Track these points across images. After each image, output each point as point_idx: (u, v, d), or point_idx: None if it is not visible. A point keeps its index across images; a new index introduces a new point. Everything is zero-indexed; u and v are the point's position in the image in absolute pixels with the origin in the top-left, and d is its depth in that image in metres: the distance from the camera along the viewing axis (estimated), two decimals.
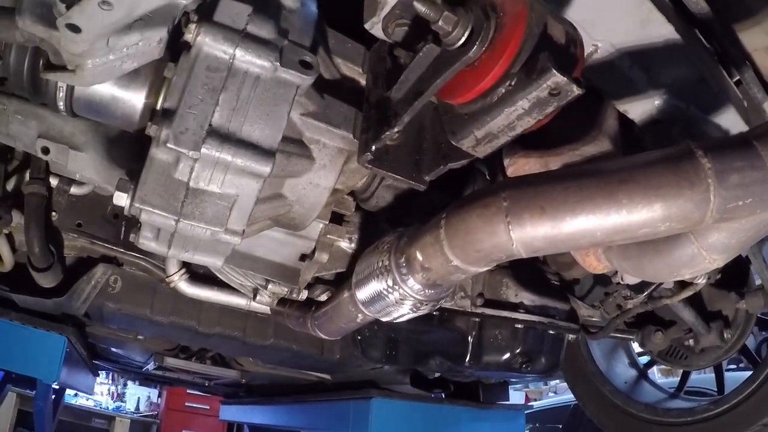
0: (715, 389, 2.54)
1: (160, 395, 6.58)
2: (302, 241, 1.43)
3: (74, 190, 1.84)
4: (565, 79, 0.76)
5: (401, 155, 1.05)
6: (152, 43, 0.94)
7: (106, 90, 1.07)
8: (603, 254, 1.23)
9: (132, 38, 0.93)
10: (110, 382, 6.59)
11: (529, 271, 2.00)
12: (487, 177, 1.73)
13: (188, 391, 5.63)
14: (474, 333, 1.95)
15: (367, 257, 1.20)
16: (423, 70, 0.89)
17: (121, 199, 1.03)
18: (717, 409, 2.28)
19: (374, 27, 0.96)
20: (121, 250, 2.03)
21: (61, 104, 1.11)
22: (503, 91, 0.83)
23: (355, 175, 1.22)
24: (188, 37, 0.91)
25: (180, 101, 0.91)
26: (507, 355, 1.96)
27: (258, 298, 1.63)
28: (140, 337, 2.81)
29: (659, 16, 1.09)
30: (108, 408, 6.53)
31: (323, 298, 1.58)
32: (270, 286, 1.58)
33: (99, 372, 3.98)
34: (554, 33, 0.81)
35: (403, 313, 1.29)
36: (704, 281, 1.58)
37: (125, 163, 1.36)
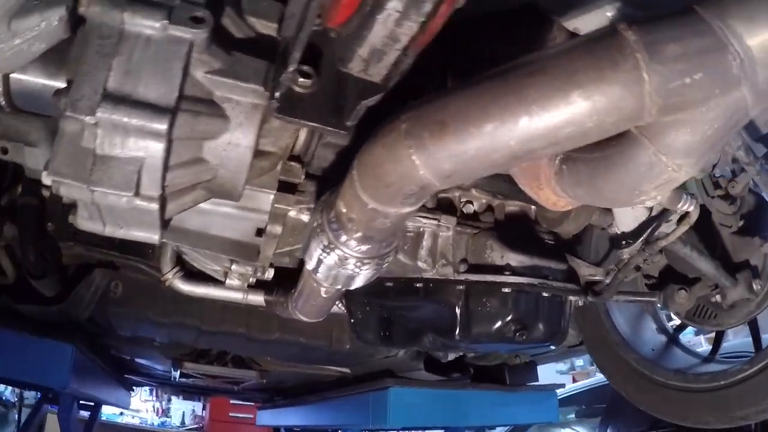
0: None
1: (204, 407, 6.72)
2: (254, 214, 1.44)
3: (67, 199, 1.93)
4: None
5: (318, 101, 1.03)
6: (53, 22, 0.98)
7: (37, 80, 1.13)
8: (557, 184, 1.14)
9: (33, 20, 0.97)
10: (154, 398, 6.79)
11: (518, 230, 1.90)
12: None
13: (231, 401, 5.75)
14: (461, 303, 1.83)
15: (309, 223, 1.19)
16: None
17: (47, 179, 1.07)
18: (752, 369, 2.11)
19: None
20: (116, 254, 2.10)
21: (1, 100, 1.17)
22: None
23: (283, 134, 1.23)
24: (81, 10, 0.94)
25: (76, 71, 0.94)
26: (498, 324, 1.82)
27: (227, 282, 1.65)
28: (156, 343, 2.89)
29: None
30: (154, 424, 6.72)
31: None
32: (233, 267, 1.60)
33: (134, 387, 4.10)
34: None
35: (351, 275, 1.27)
36: (695, 208, 1.42)
37: None
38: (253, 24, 1.14)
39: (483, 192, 1.88)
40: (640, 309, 2.73)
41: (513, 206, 1.93)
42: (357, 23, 0.81)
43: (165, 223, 1.17)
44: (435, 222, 1.76)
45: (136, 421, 6.35)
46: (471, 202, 1.89)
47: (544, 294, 1.84)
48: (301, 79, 1.01)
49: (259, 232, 1.48)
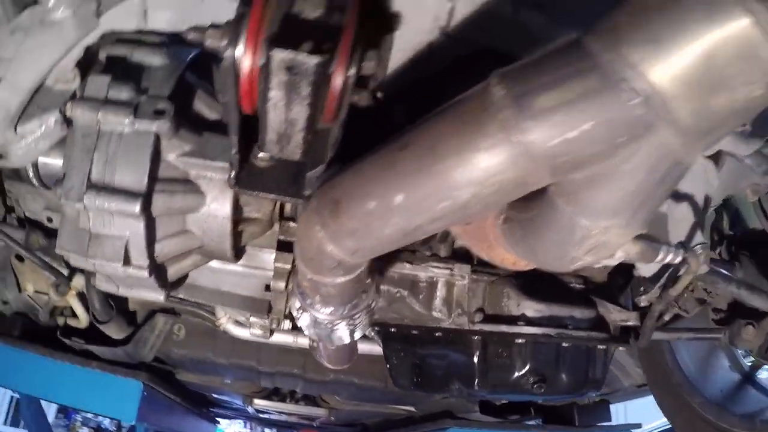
0: None
1: None
2: (260, 271, 1.55)
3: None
4: (292, 54, 0.71)
5: (278, 173, 1.10)
6: (51, 125, 1.17)
7: (55, 162, 1.33)
8: (505, 243, 1.10)
9: (34, 124, 1.18)
10: (249, 430, 7.13)
11: (539, 278, 1.84)
12: None
13: None
14: (479, 353, 1.81)
15: None
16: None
17: None
18: None
19: None
20: (176, 300, 2.33)
21: (35, 182, 1.40)
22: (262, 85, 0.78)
23: (263, 202, 1.32)
24: (68, 113, 1.11)
25: (67, 165, 1.11)
26: (515, 375, 1.78)
27: (251, 331, 1.77)
28: (227, 381, 3.10)
29: None
30: None
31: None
32: (251, 318, 1.71)
33: (218, 420, 4.38)
34: (306, 6, 0.77)
35: (330, 333, 1.31)
36: (693, 259, 1.25)
37: None
38: None
39: None
40: (712, 344, 2.45)
41: None
42: (259, 111, 0.85)
43: (167, 284, 1.31)
44: (448, 272, 1.75)
45: None
46: None
47: (564, 344, 1.75)
48: (261, 154, 1.09)
49: (268, 287, 1.58)
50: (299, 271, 1.10)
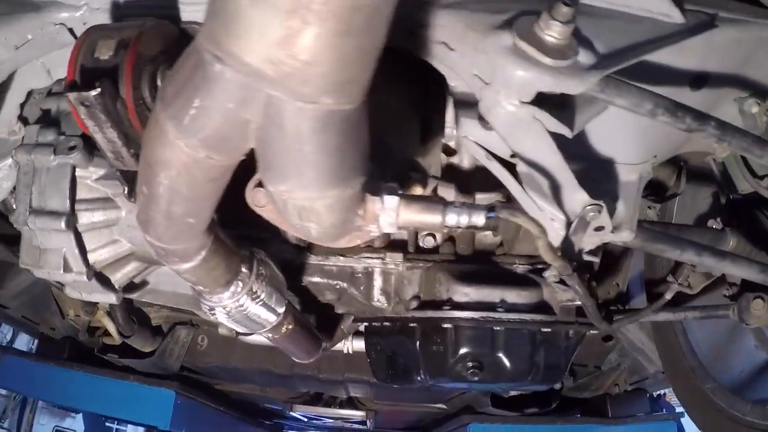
0: None
1: None
2: None
3: None
4: (77, 93, 0.97)
5: None
6: (7, 168, 1.52)
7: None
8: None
9: None
10: None
11: (481, 261, 1.82)
12: None
13: None
14: (419, 342, 1.76)
15: None
16: None
17: None
18: None
19: None
20: (194, 312, 2.66)
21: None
22: None
23: None
24: (14, 158, 1.46)
25: (16, 197, 1.45)
26: (450, 362, 1.71)
27: (219, 330, 2.03)
28: (265, 389, 3.39)
29: None
30: None
31: None
32: None
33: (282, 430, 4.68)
34: (102, 51, 1.02)
35: (246, 318, 1.47)
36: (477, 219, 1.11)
37: None
38: None
39: None
40: (736, 323, 2.25)
41: (479, 235, 1.90)
42: None
43: (113, 287, 1.61)
44: (380, 261, 1.82)
45: None
46: (432, 236, 1.89)
47: (496, 328, 1.67)
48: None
49: None
50: None
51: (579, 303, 1.72)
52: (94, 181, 1.46)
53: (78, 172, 1.43)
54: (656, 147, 1.43)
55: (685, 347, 2.21)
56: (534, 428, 2.94)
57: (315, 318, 2.37)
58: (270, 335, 1.66)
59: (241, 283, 1.35)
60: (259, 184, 0.98)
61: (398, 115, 1.58)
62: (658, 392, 3.30)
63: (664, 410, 3.31)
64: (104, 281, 1.56)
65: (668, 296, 1.80)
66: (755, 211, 1.78)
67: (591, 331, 1.97)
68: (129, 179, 1.33)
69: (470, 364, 1.71)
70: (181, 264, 1.17)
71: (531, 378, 1.77)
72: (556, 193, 1.19)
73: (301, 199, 0.87)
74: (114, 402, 2.66)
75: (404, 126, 1.59)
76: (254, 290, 1.40)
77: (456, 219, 1.10)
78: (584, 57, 0.98)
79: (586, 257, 1.40)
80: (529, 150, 1.12)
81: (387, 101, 1.48)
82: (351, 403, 3.64)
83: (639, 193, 1.41)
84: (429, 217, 1.07)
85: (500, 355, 1.72)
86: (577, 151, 1.31)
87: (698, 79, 1.30)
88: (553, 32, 0.94)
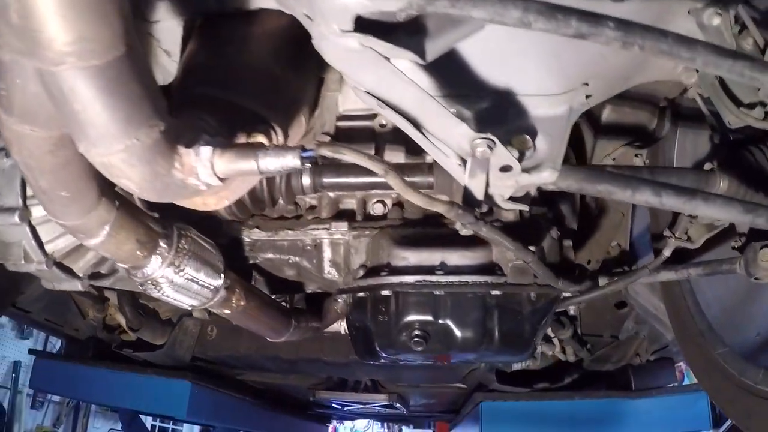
0: None
1: None
2: None
3: None
4: None
5: None
6: None
7: None
8: None
9: None
10: (386, 430, 7.38)
11: (425, 224, 1.78)
12: None
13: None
14: (369, 314, 1.69)
15: None
16: None
17: None
18: None
19: None
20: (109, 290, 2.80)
21: None
22: None
23: None
24: None
25: None
26: (394, 332, 1.62)
27: (193, 313, 2.18)
28: (286, 377, 3.53)
29: None
30: None
31: None
32: None
33: (331, 420, 4.81)
34: None
35: (186, 290, 1.52)
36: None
37: None
38: None
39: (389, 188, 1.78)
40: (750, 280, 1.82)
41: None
42: None
43: (77, 275, 1.79)
44: (326, 231, 1.83)
45: None
46: (381, 202, 1.90)
47: (437, 292, 1.59)
48: None
49: None
50: None
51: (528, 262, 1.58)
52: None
53: None
54: (581, 73, 1.21)
55: (693, 309, 2.00)
56: (549, 404, 2.87)
57: (305, 300, 2.47)
58: (221, 311, 1.71)
59: (160, 258, 1.40)
60: None
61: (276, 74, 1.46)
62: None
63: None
64: (66, 270, 1.75)
65: (667, 252, 1.70)
66: (749, 149, 1.60)
67: (592, 295, 1.85)
68: None
69: (415, 333, 1.63)
70: (89, 240, 1.26)
71: (486, 347, 1.67)
72: (442, 132, 1.10)
73: (98, 156, 0.92)
74: (133, 395, 2.88)
75: (283, 85, 1.49)
76: (176, 264, 1.37)
77: (272, 163, 1.06)
78: None
79: (509, 205, 1.29)
80: (377, 84, 1.04)
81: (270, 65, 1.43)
82: (375, 387, 3.70)
83: (568, 127, 1.25)
84: (244, 164, 1.04)
85: (447, 321, 1.64)
86: (478, 84, 1.19)
87: None
88: None
